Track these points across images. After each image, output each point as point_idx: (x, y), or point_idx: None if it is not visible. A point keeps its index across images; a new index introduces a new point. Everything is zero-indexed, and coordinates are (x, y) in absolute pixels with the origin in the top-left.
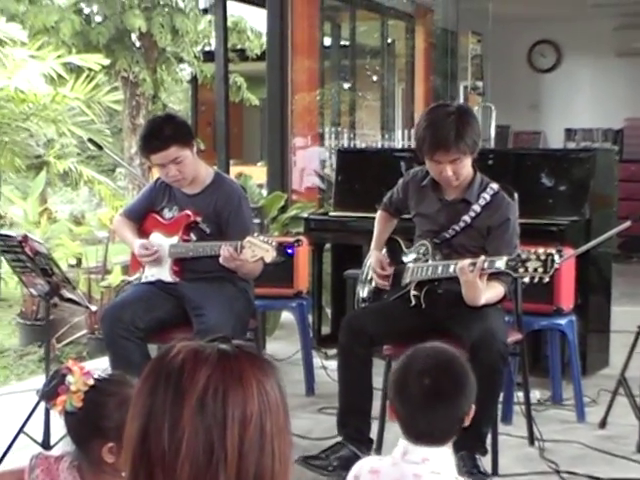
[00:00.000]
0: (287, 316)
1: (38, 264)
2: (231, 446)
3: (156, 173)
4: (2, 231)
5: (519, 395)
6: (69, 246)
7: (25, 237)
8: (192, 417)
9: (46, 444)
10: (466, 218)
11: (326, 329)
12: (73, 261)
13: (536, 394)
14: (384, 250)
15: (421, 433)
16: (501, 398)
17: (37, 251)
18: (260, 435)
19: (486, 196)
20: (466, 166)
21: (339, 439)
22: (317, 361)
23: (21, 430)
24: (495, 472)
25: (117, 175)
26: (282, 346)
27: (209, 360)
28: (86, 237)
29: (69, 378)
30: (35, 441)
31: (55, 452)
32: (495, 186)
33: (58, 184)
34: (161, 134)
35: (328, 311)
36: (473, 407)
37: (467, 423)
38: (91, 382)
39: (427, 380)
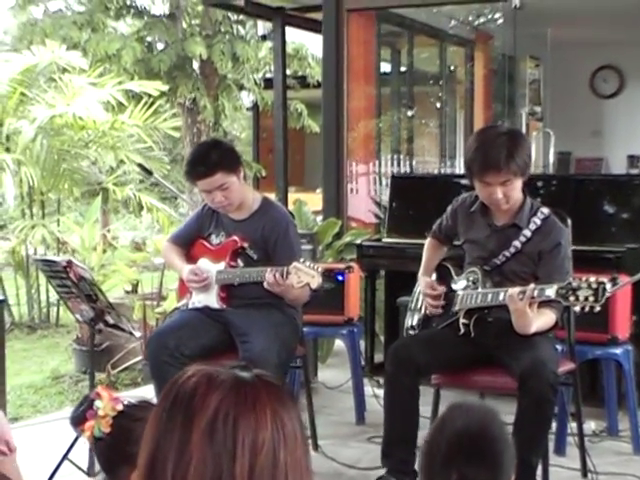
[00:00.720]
0: (340, 344)
1: (82, 290)
2: (240, 475)
3: None
4: (48, 257)
5: (573, 426)
6: (125, 272)
7: (69, 262)
8: (201, 442)
9: (91, 471)
10: (517, 243)
11: (379, 357)
12: (129, 287)
13: (591, 425)
14: (433, 276)
15: None
16: (554, 429)
17: (81, 276)
18: (272, 465)
19: (537, 220)
20: (516, 188)
21: (384, 471)
22: (369, 389)
23: (65, 457)
24: None
25: (179, 202)
26: (334, 374)
27: (222, 385)
28: (145, 263)
29: (97, 403)
30: (80, 468)
31: None
32: (546, 210)
33: (121, 211)
34: (207, 160)
35: (382, 338)
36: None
37: None
38: (120, 407)
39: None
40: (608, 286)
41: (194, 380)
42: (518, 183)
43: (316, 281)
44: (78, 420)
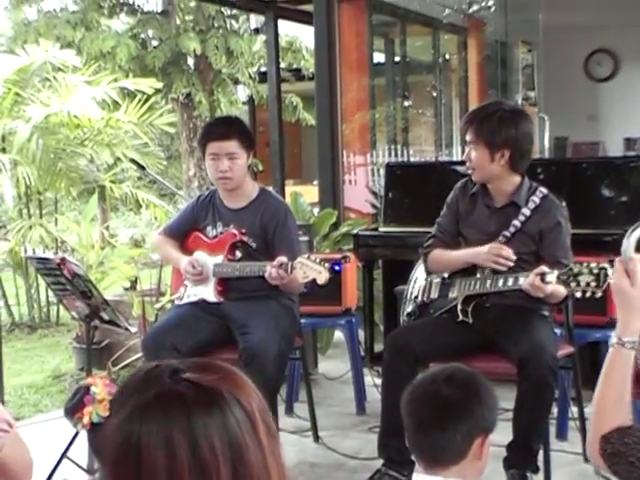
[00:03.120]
0: (340, 334)
1: (77, 286)
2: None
3: None
4: (41, 254)
5: (574, 410)
6: (123, 269)
7: (63, 259)
8: (261, 423)
9: (90, 469)
10: (516, 222)
11: (379, 346)
12: (128, 284)
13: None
14: None
15: (426, 453)
16: (555, 414)
17: (75, 273)
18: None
19: (535, 199)
20: (481, 159)
21: (381, 462)
22: (369, 379)
23: (64, 455)
24: None
25: (177, 199)
26: (335, 365)
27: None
28: (144, 260)
29: (94, 389)
30: (79, 466)
31: None
32: (544, 190)
33: (120, 208)
34: (229, 124)
35: (381, 328)
36: (487, 443)
37: (480, 459)
38: (114, 390)
39: (435, 387)
40: (610, 271)
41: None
42: (482, 151)
43: (324, 276)
44: (75, 408)
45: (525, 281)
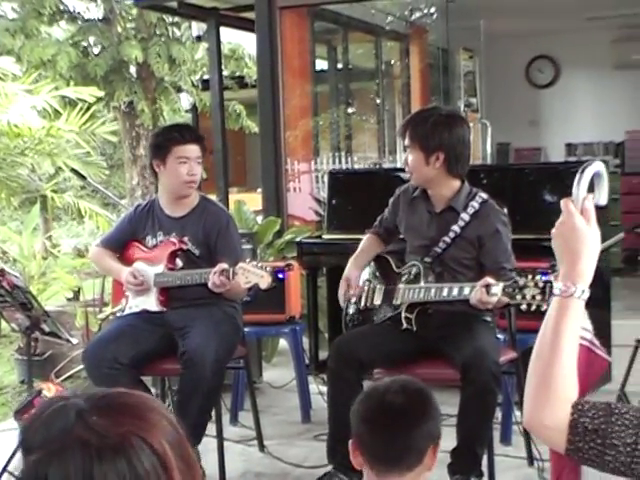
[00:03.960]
0: (285, 343)
1: (17, 298)
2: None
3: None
4: None
5: (517, 415)
6: (66, 280)
7: (2, 271)
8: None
9: None
10: (455, 228)
11: (324, 354)
12: (70, 295)
13: None
14: (368, 271)
15: (383, 460)
16: (499, 418)
17: (15, 285)
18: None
19: (475, 204)
20: (417, 162)
21: (330, 467)
22: (314, 387)
23: (4, 469)
24: None
25: (121, 208)
26: (280, 373)
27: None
28: (87, 270)
29: (45, 391)
30: None
31: None
32: (484, 195)
33: (64, 218)
34: (190, 130)
35: (326, 336)
36: (436, 450)
37: (430, 469)
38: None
39: (391, 396)
40: (555, 285)
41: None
42: (417, 155)
43: (266, 281)
44: (25, 409)
45: (473, 297)
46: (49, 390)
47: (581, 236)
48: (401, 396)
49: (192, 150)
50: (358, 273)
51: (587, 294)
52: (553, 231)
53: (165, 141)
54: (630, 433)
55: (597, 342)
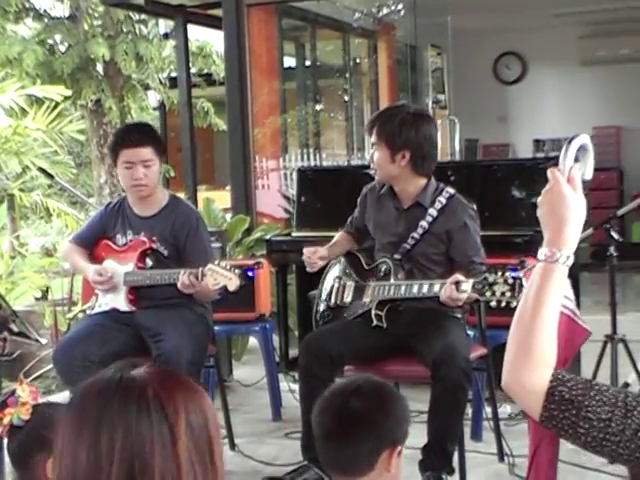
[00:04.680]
0: (255, 341)
1: None
2: (218, 454)
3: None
4: None
5: (488, 411)
6: (33, 279)
7: None
8: (185, 441)
9: None
10: (423, 223)
11: (294, 352)
12: (39, 294)
13: (507, 409)
14: (339, 268)
15: (334, 465)
16: (470, 415)
17: None
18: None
19: (442, 199)
20: (382, 159)
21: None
22: (285, 385)
23: None
24: None
25: (89, 207)
26: (250, 371)
27: (174, 382)
28: (55, 269)
29: (19, 392)
30: None
31: None
32: (451, 190)
33: (31, 217)
34: (142, 130)
35: (296, 333)
36: (398, 451)
37: (389, 471)
38: (39, 399)
39: (343, 401)
40: (525, 282)
41: (149, 385)
42: (383, 152)
43: (234, 283)
44: None
45: (442, 294)
46: (23, 390)
47: (568, 202)
48: (355, 401)
49: (137, 154)
50: (326, 254)
51: (571, 260)
52: (539, 199)
53: (115, 144)
54: (606, 410)
55: (578, 312)
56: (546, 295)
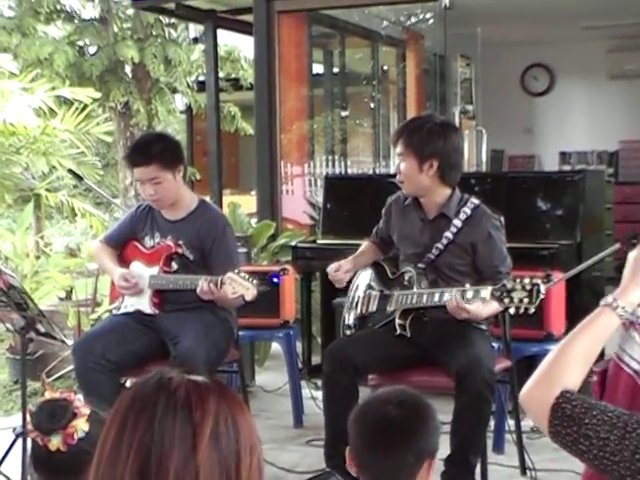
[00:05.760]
0: (278, 346)
1: (12, 298)
2: (246, 476)
3: None
4: None
5: (511, 423)
6: (58, 279)
7: None
8: (208, 449)
9: None
10: (448, 234)
11: (317, 359)
12: (63, 294)
13: (530, 422)
14: (368, 277)
15: (376, 474)
16: (492, 427)
17: (11, 285)
18: (259, 462)
19: (467, 210)
20: (410, 169)
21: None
22: (307, 392)
23: None
24: None
25: (113, 207)
26: (272, 377)
27: (212, 390)
28: (79, 269)
29: (77, 403)
30: None
31: None
32: (476, 200)
33: (56, 217)
34: (146, 150)
35: (319, 340)
36: (433, 464)
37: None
38: (87, 409)
39: (388, 412)
40: (542, 287)
41: (183, 388)
42: (411, 162)
43: (251, 293)
44: (66, 422)
45: (449, 304)
46: (73, 400)
47: None
48: (398, 411)
49: (143, 172)
50: (351, 267)
51: (624, 312)
52: (633, 252)
53: (125, 160)
54: (605, 429)
55: None
56: (586, 331)
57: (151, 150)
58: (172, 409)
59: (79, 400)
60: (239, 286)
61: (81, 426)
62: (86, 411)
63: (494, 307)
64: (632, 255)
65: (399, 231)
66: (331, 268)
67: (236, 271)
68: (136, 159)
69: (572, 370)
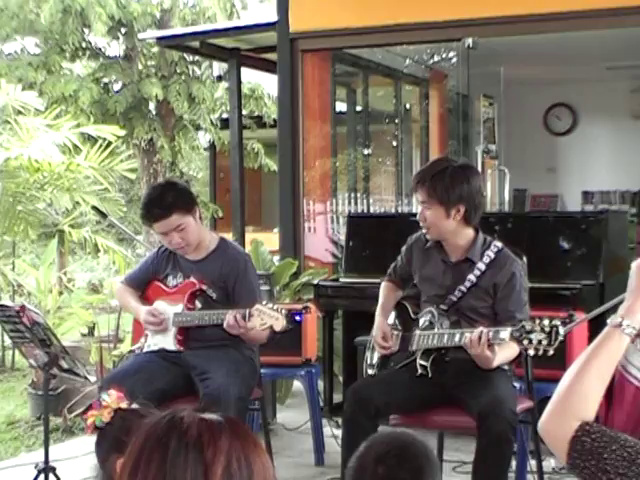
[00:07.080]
0: (299, 384)
1: (36, 334)
2: None
3: None
4: (1, 301)
5: (532, 464)
6: (81, 315)
7: (23, 307)
8: None
9: None
10: (471, 277)
11: (338, 397)
12: (85, 330)
13: (551, 462)
14: (392, 317)
15: None
16: (514, 467)
17: (35, 321)
18: None
19: (490, 254)
20: (437, 217)
21: None
22: (328, 430)
23: None
24: None
25: (136, 244)
26: (293, 415)
27: (224, 428)
28: (102, 305)
29: (104, 396)
30: None
31: None
32: (499, 244)
33: (78, 252)
34: (162, 202)
35: (340, 379)
36: None
37: None
38: (124, 404)
39: (381, 469)
40: (561, 330)
41: (195, 427)
42: (438, 210)
43: (280, 323)
44: (85, 412)
45: (467, 344)
46: (109, 395)
47: None
48: (395, 470)
49: (166, 225)
50: (388, 328)
51: (632, 330)
52: (634, 265)
53: (143, 220)
54: (624, 465)
55: None
56: (598, 354)
57: (167, 200)
58: (183, 448)
59: (116, 395)
60: (267, 317)
61: (100, 417)
62: (112, 405)
63: (506, 355)
64: (635, 265)
65: (421, 273)
66: (379, 343)
67: (264, 302)
68: (156, 214)
69: (589, 399)
